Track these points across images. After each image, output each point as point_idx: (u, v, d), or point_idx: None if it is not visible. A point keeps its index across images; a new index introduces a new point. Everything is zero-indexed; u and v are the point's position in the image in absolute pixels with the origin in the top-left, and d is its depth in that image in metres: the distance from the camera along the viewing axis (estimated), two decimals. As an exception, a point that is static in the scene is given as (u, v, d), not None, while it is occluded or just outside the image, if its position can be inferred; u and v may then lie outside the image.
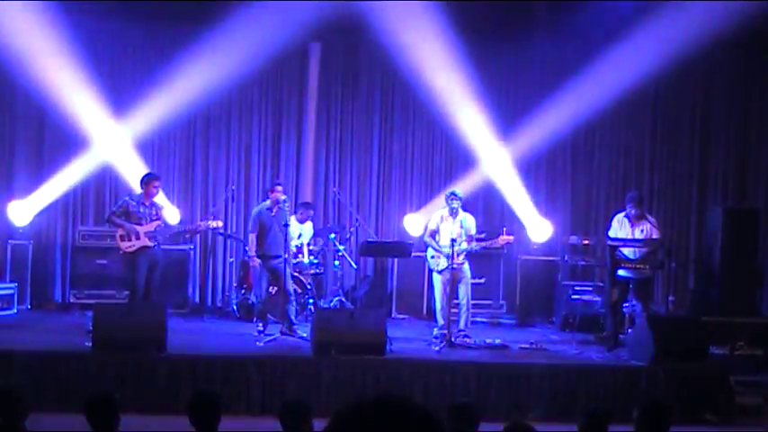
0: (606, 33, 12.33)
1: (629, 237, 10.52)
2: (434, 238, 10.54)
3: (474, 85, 12.98)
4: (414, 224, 12.70)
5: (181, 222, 11.97)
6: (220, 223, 11.18)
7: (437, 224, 10.58)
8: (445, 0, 11.78)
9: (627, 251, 10.51)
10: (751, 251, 11.90)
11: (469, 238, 10.46)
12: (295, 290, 10.68)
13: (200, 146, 12.98)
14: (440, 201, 11.28)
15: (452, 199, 10.56)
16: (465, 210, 10.76)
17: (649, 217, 10.80)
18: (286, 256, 10.34)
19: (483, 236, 10.70)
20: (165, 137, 12.80)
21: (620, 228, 10.65)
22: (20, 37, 11.68)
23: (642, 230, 10.57)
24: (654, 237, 10.54)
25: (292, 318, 10.37)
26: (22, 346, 9.46)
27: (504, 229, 10.81)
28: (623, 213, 10.70)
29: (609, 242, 10.48)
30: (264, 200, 10.97)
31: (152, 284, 10.41)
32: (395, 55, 12.41)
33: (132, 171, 12.24)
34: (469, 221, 10.60)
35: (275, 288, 10.56)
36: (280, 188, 10.57)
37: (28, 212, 12.23)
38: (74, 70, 12.08)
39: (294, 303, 10.50)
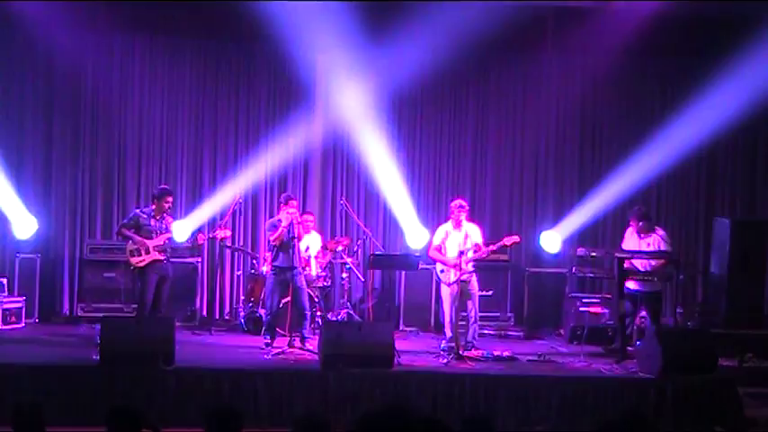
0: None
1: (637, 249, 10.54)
2: (440, 252, 10.53)
3: (481, 98, 13.04)
4: (416, 238, 12.63)
5: (191, 236, 11.93)
6: (228, 233, 11.14)
7: (441, 239, 10.56)
8: None
9: (636, 263, 10.51)
10: (759, 263, 11.86)
11: (476, 247, 10.45)
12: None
13: (208, 158, 12.99)
14: (445, 212, 11.25)
15: (459, 209, 10.55)
16: (471, 220, 10.76)
17: (659, 230, 10.81)
18: (303, 270, 10.41)
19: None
20: (173, 150, 12.85)
21: (629, 241, 10.72)
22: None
23: (649, 244, 10.61)
24: (661, 249, 10.54)
25: (305, 332, 10.39)
26: (29, 359, 9.46)
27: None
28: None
29: (616, 254, 10.48)
30: (275, 213, 10.98)
31: (162, 298, 10.43)
32: (402, 68, 12.45)
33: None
34: (474, 231, 10.59)
35: (285, 301, 10.54)
36: (294, 203, 10.56)
37: (31, 223, 12.18)
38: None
39: (308, 317, 10.50)
